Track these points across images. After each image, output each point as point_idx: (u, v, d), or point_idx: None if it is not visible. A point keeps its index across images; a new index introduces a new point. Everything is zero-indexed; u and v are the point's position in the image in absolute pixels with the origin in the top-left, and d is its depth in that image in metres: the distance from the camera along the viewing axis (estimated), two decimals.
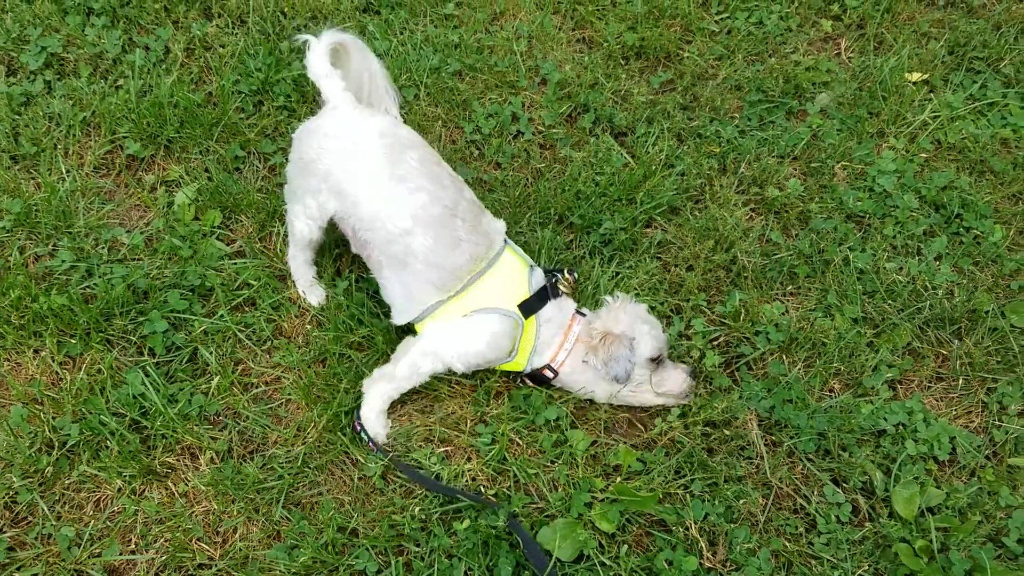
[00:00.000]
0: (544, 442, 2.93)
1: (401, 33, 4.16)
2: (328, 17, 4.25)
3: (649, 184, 3.54)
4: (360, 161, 2.89)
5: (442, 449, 2.94)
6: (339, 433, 2.94)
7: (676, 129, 3.85)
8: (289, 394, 3.06)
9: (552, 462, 2.90)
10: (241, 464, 2.91)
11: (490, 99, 3.94)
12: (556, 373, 2.95)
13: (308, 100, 3.91)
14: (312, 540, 2.69)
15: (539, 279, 2.95)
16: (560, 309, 2.95)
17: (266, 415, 3.03)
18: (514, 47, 4.10)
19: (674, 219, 3.55)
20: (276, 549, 2.72)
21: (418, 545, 2.73)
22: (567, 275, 3.04)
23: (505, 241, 2.97)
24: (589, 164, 3.67)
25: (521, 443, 2.95)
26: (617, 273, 3.35)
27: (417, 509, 2.77)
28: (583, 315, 3.00)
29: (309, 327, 3.20)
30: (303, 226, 3.10)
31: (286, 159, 3.66)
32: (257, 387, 3.10)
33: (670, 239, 3.47)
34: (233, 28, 4.22)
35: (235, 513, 2.81)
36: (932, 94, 3.93)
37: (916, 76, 3.95)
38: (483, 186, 3.63)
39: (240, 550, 2.74)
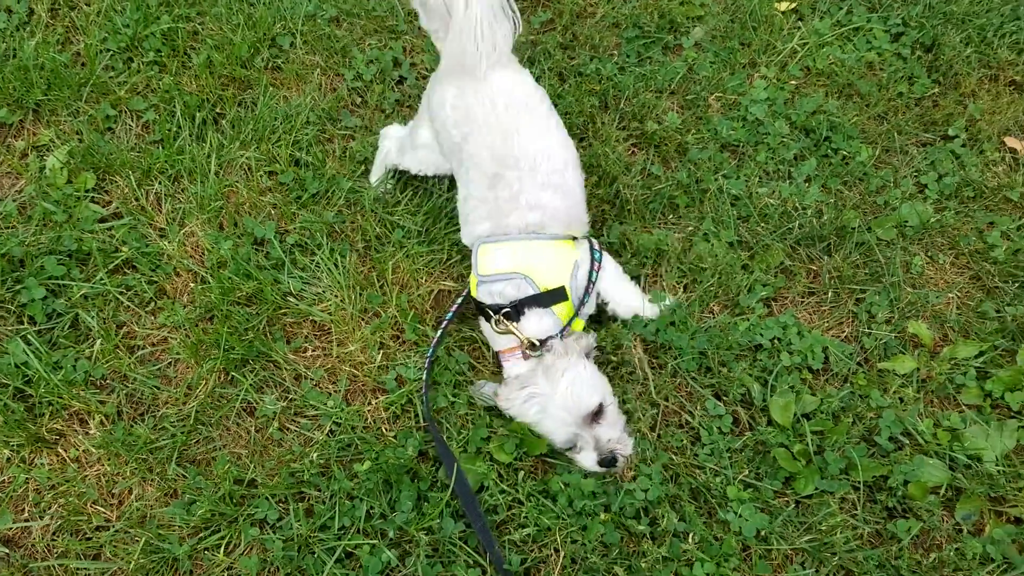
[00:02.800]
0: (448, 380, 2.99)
1: None
2: None
3: None
4: None
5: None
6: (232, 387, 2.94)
7: (558, 68, 3.88)
8: (177, 353, 3.03)
9: (454, 402, 2.96)
10: (132, 426, 2.88)
11: (370, 45, 3.90)
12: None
13: (179, 53, 3.79)
14: (209, 494, 2.70)
15: (484, 294, 2.93)
16: (493, 337, 2.95)
17: (154, 376, 2.99)
18: None
19: None
20: (174, 506, 2.72)
21: (319, 490, 2.76)
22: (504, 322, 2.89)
23: None
24: None
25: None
26: None
27: (316, 455, 2.80)
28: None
29: (193, 285, 3.15)
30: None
31: (158, 116, 3.58)
32: (143, 348, 3.05)
33: None
34: None
35: (129, 474, 2.79)
36: (801, 22, 4.06)
37: (785, 5, 4.07)
38: (370, 133, 3.61)
39: (137, 510, 2.73)
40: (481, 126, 2.91)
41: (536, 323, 2.85)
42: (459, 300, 3.07)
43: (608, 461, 2.72)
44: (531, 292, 2.85)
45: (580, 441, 2.73)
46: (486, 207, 2.91)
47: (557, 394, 2.70)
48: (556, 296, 2.87)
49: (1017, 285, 3.27)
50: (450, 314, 3.05)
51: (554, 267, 2.90)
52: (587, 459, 2.75)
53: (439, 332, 3.02)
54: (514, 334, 2.83)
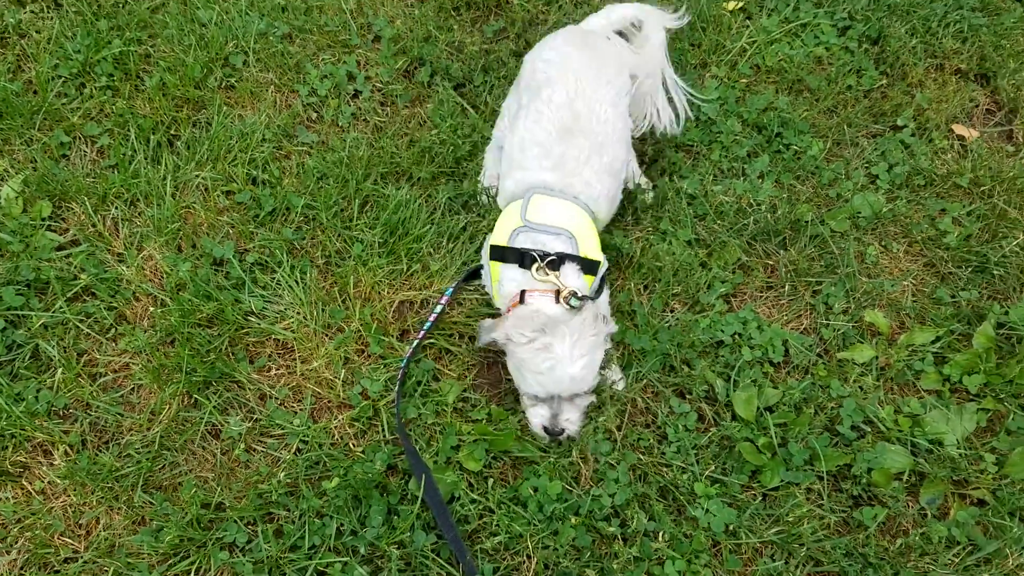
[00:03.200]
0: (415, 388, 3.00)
1: (224, 0, 4.05)
2: None
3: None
4: None
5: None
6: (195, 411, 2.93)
7: (511, 76, 3.90)
8: (139, 379, 3.01)
9: (421, 414, 2.96)
10: (96, 455, 2.86)
11: (323, 60, 3.90)
12: None
13: (132, 77, 3.77)
14: (177, 519, 2.68)
15: (524, 241, 2.89)
16: (521, 282, 2.87)
17: (117, 403, 2.97)
18: (343, 5, 4.05)
19: None
20: (142, 533, 2.71)
21: (288, 510, 2.76)
22: (547, 270, 2.84)
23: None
24: (439, 119, 3.69)
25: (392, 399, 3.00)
26: (468, 223, 3.40)
27: (283, 475, 2.79)
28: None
29: (153, 309, 3.13)
30: None
31: (113, 140, 3.56)
32: (105, 376, 3.03)
33: None
34: (48, 12, 4.02)
35: (95, 504, 2.77)
36: (749, 21, 4.11)
37: (733, 4, 4.12)
38: (325, 147, 3.61)
39: (105, 539, 2.72)
40: (570, 73, 3.04)
41: (574, 279, 2.84)
42: (437, 310, 3.07)
43: (553, 432, 2.75)
44: (573, 252, 2.86)
45: (553, 406, 2.73)
46: (551, 160, 2.94)
47: (573, 366, 2.65)
48: (590, 267, 2.90)
49: (970, 270, 3.33)
50: (428, 323, 3.05)
51: (593, 245, 2.95)
52: (537, 416, 2.76)
53: (414, 344, 3.01)
54: (556, 282, 2.79)
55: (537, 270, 2.80)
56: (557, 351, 2.65)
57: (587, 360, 2.68)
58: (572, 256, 2.84)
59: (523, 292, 2.83)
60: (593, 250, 2.94)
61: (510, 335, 2.70)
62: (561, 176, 2.93)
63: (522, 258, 2.84)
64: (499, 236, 2.97)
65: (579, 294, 2.77)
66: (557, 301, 2.77)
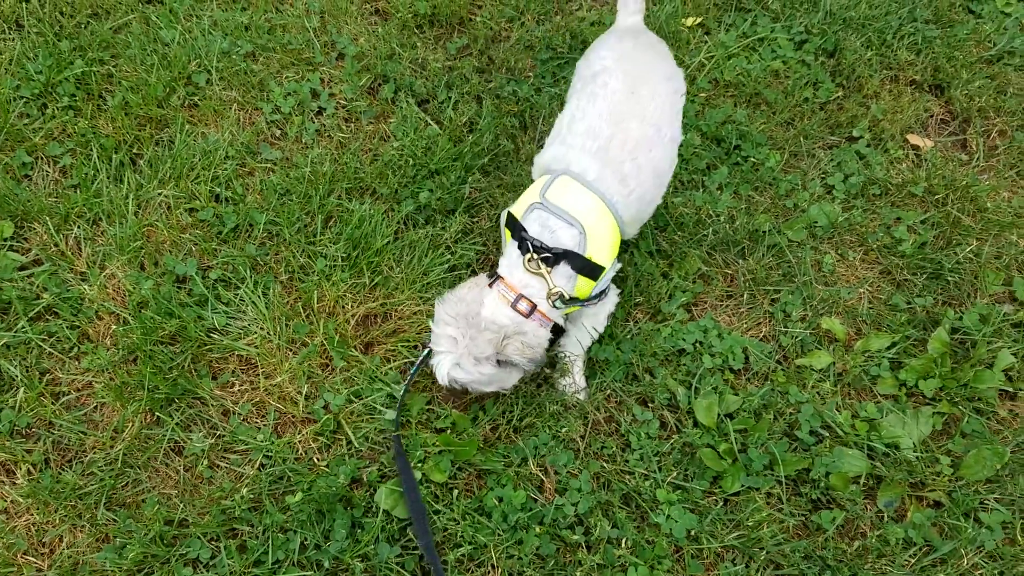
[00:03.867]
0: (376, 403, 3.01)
1: (188, 20, 4.07)
2: (109, 12, 4.11)
3: (460, 150, 3.63)
4: None
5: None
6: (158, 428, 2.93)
7: (475, 92, 3.95)
8: (102, 397, 3.00)
9: (384, 427, 2.98)
10: (60, 473, 2.85)
11: (287, 78, 3.92)
12: None
13: (94, 97, 3.78)
14: (140, 536, 2.68)
15: (535, 219, 2.76)
16: (511, 265, 2.77)
17: (80, 421, 2.97)
18: (306, 23, 4.09)
19: (485, 178, 3.65)
20: (105, 551, 2.70)
21: (251, 525, 2.76)
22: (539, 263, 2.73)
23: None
24: (401, 134, 3.71)
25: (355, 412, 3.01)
26: (432, 235, 3.43)
27: (246, 490, 2.80)
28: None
29: (116, 327, 3.13)
30: None
31: (75, 160, 3.56)
32: (68, 394, 3.02)
33: (483, 198, 3.57)
34: (9, 33, 4.02)
35: (58, 522, 2.76)
36: (707, 36, 4.19)
37: (691, 21, 4.20)
38: (288, 164, 3.63)
39: (69, 557, 2.71)
40: (628, 63, 2.97)
41: (562, 280, 2.73)
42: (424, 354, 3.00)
43: (451, 381, 2.71)
44: (579, 252, 2.71)
45: (482, 354, 2.67)
46: (596, 141, 2.80)
47: (447, 369, 2.67)
48: (590, 271, 2.75)
49: (925, 277, 3.40)
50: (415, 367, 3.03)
51: (605, 248, 2.79)
52: (446, 362, 2.69)
53: (410, 377, 3.00)
54: (547, 280, 2.69)
55: (529, 261, 2.70)
56: (447, 347, 2.68)
57: (465, 375, 2.68)
58: (573, 255, 2.71)
59: (497, 278, 2.75)
60: (603, 252, 2.77)
61: (444, 298, 2.75)
62: (600, 164, 2.77)
63: (521, 241, 2.74)
64: (518, 207, 2.85)
65: (566, 296, 2.71)
66: (512, 306, 2.69)
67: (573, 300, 2.77)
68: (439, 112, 3.88)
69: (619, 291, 3.10)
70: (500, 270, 2.79)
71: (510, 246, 2.80)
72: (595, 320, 3.02)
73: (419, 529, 2.67)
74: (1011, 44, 4.13)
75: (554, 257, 2.69)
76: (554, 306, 2.72)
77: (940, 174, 3.69)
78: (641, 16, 3.34)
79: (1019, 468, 2.91)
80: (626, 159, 2.80)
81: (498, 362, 2.70)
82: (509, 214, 2.86)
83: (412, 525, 2.74)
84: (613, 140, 2.80)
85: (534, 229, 2.74)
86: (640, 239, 3.41)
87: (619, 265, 2.95)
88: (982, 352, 3.15)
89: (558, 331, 2.88)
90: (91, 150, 3.60)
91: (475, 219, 3.52)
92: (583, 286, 2.77)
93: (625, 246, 3.30)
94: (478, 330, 2.65)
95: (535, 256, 2.70)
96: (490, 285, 2.75)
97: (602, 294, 2.89)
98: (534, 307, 2.71)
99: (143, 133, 3.68)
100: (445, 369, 2.68)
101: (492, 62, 4.10)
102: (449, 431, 2.96)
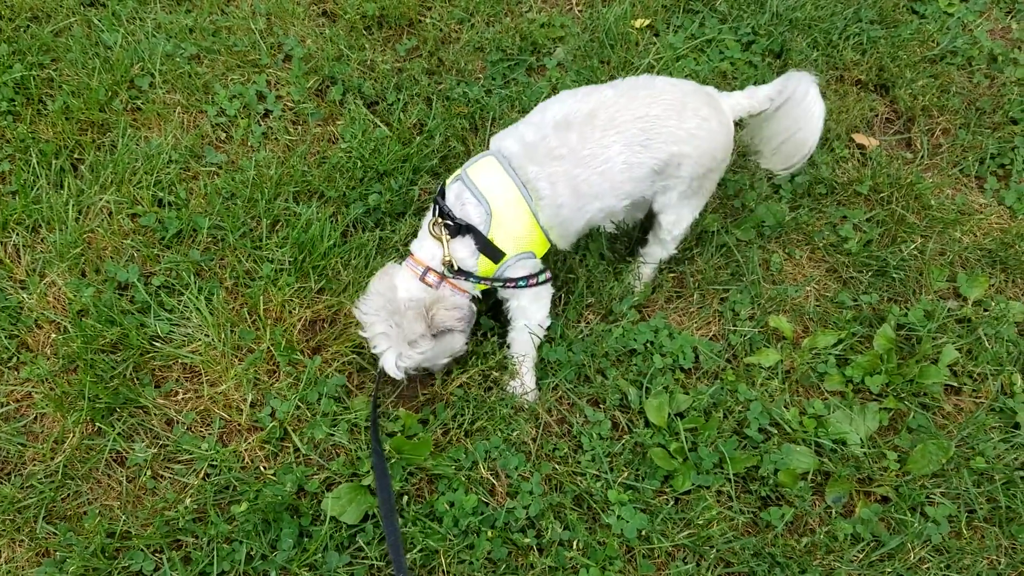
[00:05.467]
0: (323, 409, 2.96)
1: (131, 23, 3.99)
2: (50, 16, 4.02)
3: (408, 152, 3.60)
4: None
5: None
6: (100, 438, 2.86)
7: (425, 94, 3.93)
8: (42, 408, 2.93)
9: (333, 433, 2.93)
10: None
11: (232, 80, 3.86)
12: None
13: (34, 101, 3.69)
14: (81, 550, 2.61)
15: (454, 190, 2.81)
16: (421, 235, 2.86)
17: (19, 433, 2.89)
18: (252, 26, 4.03)
19: (435, 180, 3.63)
20: (45, 565, 2.64)
21: (196, 536, 2.70)
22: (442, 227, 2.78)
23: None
24: (350, 136, 3.68)
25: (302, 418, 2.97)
26: (381, 238, 3.40)
27: (190, 500, 2.74)
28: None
29: (55, 336, 3.05)
30: None
31: (13, 165, 3.48)
32: (7, 405, 2.95)
33: (433, 200, 3.54)
34: None
35: None
36: (656, 38, 4.20)
37: (640, 22, 4.21)
38: (234, 167, 3.57)
39: (8, 572, 2.64)
40: (630, 84, 2.91)
41: (464, 254, 2.78)
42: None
43: (404, 371, 2.78)
44: (480, 231, 2.76)
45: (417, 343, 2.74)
46: (535, 135, 2.79)
47: (392, 360, 2.73)
48: (491, 253, 2.79)
49: (870, 274, 3.44)
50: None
51: (510, 236, 2.80)
52: (389, 357, 2.73)
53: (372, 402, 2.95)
54: (443, 246, 2.74)
55: (433, 226, 2.77)
56: (384, 344, 2.73)
57: (411, 360, 2.75)
58: (476, 232, 2.75)
59: (408, 257, 2.84)
60: (507, 239, 2.79)
61: (360, 301, 2.78)
62: (525, 156, 2.78)
63: (435, 204, 2.81)
64: (452, 177, 2.89)
65: (456, 266, 2.75)
66: (421, 279, 2.76)
67: (472, 275, 2.80)
68: (388, 114, 3.85)
69: (551, 291, 3.06)
70: (412, 246, 2.87)
71: (427, 212, 2.87)
72: (527, 318, 3.01)
73: (387, 528, 2.59)
74: (953, 44, 4.20)
75: (456, 227, 2.76)
76: (447, 272, 2.76)
77: (885, 172, 3.74)
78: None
79: (964, 462, 2.95)
80: (552, 163, 2.77)
81: (433, 335, 2.76)
82: (443, 182, 2.91)
83: (378, 527, 2.72)
84: (547, 141, 2.77)
85: (450, 199, 2.81)
86: (591, 240, 3.40)
87: (535, 263, 2.91)
88: (927, 348, 3.19)
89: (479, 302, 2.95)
90: (30, 155, 3.51)
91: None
92: (485, 266, 2.82)
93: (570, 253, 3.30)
94: (401, 314, 2.70)
95: (439, 220, 2.76)
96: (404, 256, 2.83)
97: (516, 283, 2.86)
98: (443, 278, 2.78)
99: (84, 138, 3.60)
100: (392, 363, 2.73)
101: (442, 64, 4.07)
102: (400, 434, 2.93)
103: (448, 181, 2.88)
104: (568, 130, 2.77)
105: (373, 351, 2.77)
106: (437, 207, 2.80)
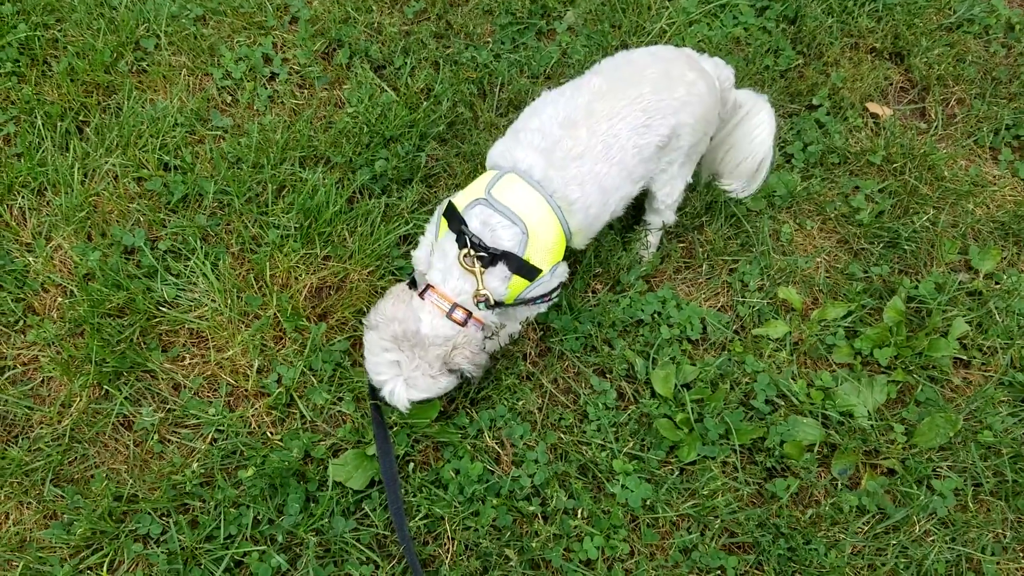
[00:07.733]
0: (324, 373, 2.96)
1: None
2: None
3: (416, 117, 3.56)
4: None
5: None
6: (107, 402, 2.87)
7: (432, 58, 3.87)
8: (49, 371, 2.93)
9: (339, 399, 2.94)
10: (5, 449, 2.79)
11: (239, 42, 3.81)
12: None
13: (39, 63, 3.65)
14: (88, 512, 2.63)
15: (478, 214, 2.63)
16: (448, 262, 2.63)
17: (26, 396, 2.90)
18: None
19: (443, 146, 3.59)
20: (53, 527, 2.66)
21: (203, 500, 2.72)
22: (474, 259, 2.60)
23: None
24: (356, 101, 3.63)
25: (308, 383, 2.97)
26: (387, 204, 3.37)
27: (197, 465, 2.75)
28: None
29: (62, 300, 3.05)
30: None
31: (19, 128, 3.45)
32: (13, 369, 2.95)
33: (440, 167, 3.52)
34: None
35: (4, 499, 2.72)
36: (669, 2, 4.13)
37: None
38: (240, 131, 3.54)
39: (16, 534, 2.67)
40: (611, 66, 2.90)
41: (496, 283, 2.62)
42: None
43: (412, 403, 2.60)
44: (518, 253, 2.62)
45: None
46: (546, 141, 2.69)
47: (400, 392, 2.56)
48: (527, 272, 2.65)
49: (882, 246, 3.41)
50: None
51: (545, 251, 2.69)
52: (399, 388, 2.55)
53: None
54: (477, 279, 2.57)
55: (465, 257, 2.58)
56: (392, 372, 2.56)
57: (421, 392, 2.58)
58: (511, 256, 2.61)
59: (428, 288, 2.64)
60: (542, 255, 2.68)
61: (373, 324, 2.60)
62: (547, 164, 2.65)
63: (460, 234, 2.60)
64: (461, 199, 2.70)
65: (491, 300, 2.60)
66: (448, 316, 2.59)
67: (499, 305, 2.68)
68: (395, 78, 3.80)
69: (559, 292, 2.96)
70: (432, 276, 2.66)
71: (445, 241, 2.66)
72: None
73: (390, 496, 2.61)
74: (970, 12, 4.13)
75: (491, 258, 2.59)
76: (477, 306, 2.61)
77: (898, 142, 3.69)
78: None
79: (971, 436, 2.94)
80: (572, 163, 2.68)
81: (451, 370, 2.61)
82: (450, 204, 2.71)
83: (383, 492, 2.71)
84: (561, 147, 2.68)
85: (474, 225, 2.61)
86: None
87: (564, 270, 2.85)
88: (937, 321, 3.17)
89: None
90: (35, 117, 3.48)
91: (432, 189, 3.47)
92: (517, 284, 2.68)
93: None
94: (423, 348, 2.54)
95: (471, 252, 2.58)
96: (421, 296, 2.63)
97: (538, 299, 2.79)
98: (469, 315, 2.61)
99: (90, 100, 3.56)
100: (402, 395, 2.56)
101: (450, 27, 4.01)
102: None
103: (460, 205, 2.67)
104: (576, 127, 2.70)
105: (374, 377, 2.60)
106: (461, 235, 2.60)
